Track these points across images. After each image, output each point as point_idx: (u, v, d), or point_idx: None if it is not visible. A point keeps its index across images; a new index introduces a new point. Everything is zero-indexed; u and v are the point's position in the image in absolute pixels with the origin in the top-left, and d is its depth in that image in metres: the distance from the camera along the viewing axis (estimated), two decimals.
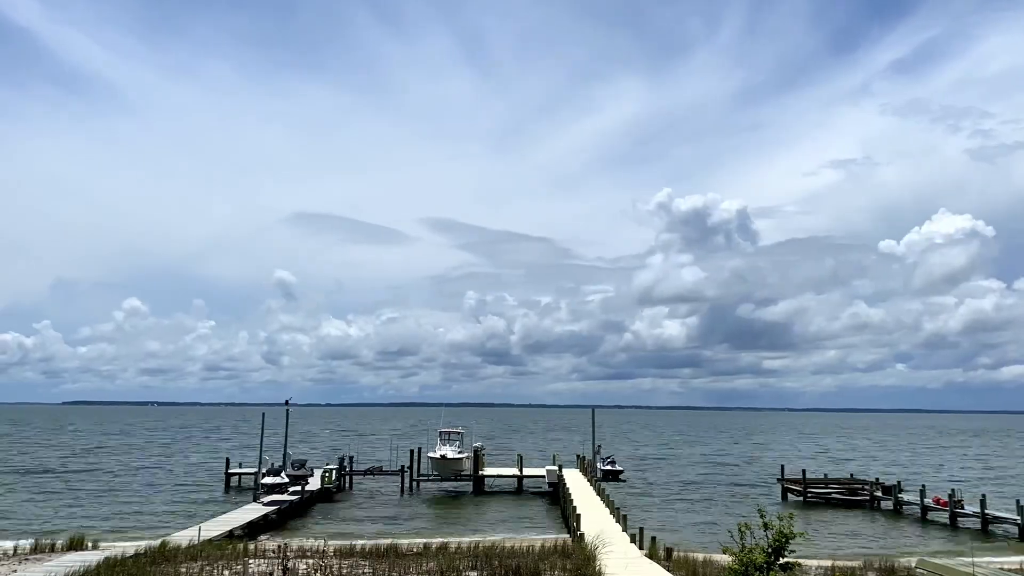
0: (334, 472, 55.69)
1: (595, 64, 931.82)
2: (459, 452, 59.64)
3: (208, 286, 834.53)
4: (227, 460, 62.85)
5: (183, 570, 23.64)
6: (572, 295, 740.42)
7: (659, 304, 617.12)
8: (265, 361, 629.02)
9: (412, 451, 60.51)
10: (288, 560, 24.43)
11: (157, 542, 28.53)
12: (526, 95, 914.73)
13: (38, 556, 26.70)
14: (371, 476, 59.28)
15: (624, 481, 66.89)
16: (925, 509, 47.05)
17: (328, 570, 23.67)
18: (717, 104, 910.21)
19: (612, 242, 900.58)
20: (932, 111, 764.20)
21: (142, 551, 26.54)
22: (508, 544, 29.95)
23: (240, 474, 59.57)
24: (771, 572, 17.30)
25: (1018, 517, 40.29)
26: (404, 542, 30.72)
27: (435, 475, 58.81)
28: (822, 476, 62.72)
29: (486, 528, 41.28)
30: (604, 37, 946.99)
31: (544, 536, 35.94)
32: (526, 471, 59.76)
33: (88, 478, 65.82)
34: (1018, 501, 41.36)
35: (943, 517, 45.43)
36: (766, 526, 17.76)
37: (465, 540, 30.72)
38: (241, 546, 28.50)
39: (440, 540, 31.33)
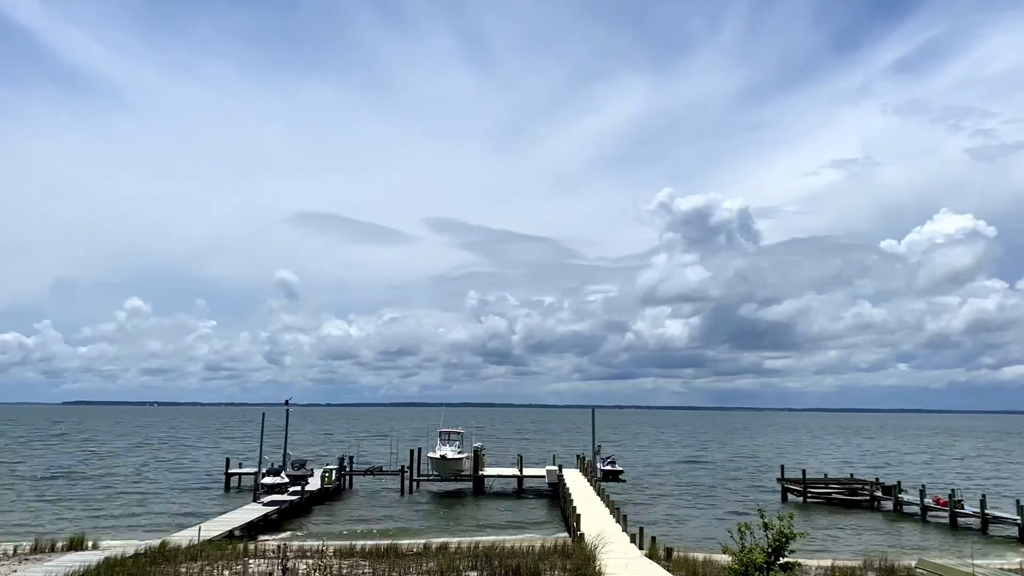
0: (334, 472, 55.64)
1: (596, 63, 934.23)
2: (459, 452, 59.66)
3: (209, 286, 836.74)
4: (227, 460, 62.79)
5: (183, 570, 23.63)
6: (574, 295, 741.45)
7: (662, 304, 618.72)
8: (266, 361, 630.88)
9: (412, 451, 60.52)
10: (288, 560, 24.44)
11: (157, 542, 28.51)
12: (527, 94, 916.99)
13: (38, 556, 26.67)
14: (371, 476, 59.32)
15: (624, 481, 66.91)
16: (925, 509, 47.01)
17: (328, 570, 23.65)
18: (718, 104, 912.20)
19: (613, 242, 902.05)
20: (933, 111, 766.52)
21: (142, 551, 26.54)
22: (508, 544, 29.92)
23: (240, 474, 59.55)
24: (771, 572, 17.30)
25: (1018, 517, 40.26)
26: (404, 542, 30.72)
27: (435, 475, 58.83)
28: (822, 476, 62.70)
29: (486, 528, 41.26)
30: (605, 36, 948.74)
31: (544, 536, 35.98)
32: (526, 471, 59.70)
33: (88, 478, 65.82)
34: (1018, 501, 41.32)
35: (943, 517, 45.40)
36: (766, 526, 17.77)
37: (465, 540, 30.64)
38: (241, 546, 28.47)
39: (440, 540, 31.35)
